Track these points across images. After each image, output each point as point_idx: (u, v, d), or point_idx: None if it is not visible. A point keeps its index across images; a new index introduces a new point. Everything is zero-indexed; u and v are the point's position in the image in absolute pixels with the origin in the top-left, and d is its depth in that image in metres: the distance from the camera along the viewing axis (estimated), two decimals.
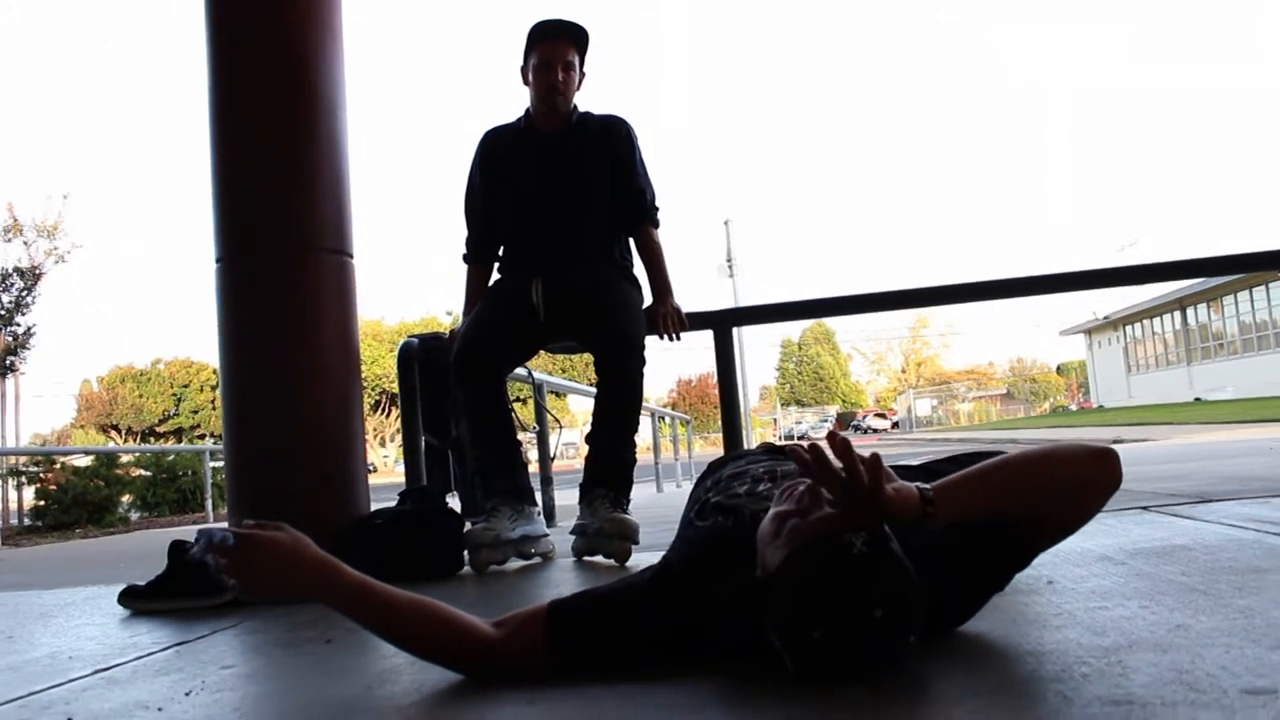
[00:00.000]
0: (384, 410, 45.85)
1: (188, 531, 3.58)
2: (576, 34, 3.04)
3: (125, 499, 12.42)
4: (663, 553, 1.64)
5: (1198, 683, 1.12)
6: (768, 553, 1.30)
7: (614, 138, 3.12)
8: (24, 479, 11.73)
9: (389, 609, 1.43)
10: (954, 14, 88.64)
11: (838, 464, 1.25)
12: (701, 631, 1.42)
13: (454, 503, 3.40)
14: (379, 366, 40.74)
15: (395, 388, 3.87)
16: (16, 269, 15.80)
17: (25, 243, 16.13)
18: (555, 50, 3.01)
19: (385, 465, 42.31)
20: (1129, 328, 37.10)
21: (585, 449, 2.99)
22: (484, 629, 1.45)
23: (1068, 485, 1.40)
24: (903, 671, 1.25)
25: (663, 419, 12.29)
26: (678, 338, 3.16)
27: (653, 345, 3.10)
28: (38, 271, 16.02)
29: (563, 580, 2.60)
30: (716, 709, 1.26)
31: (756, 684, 1.28)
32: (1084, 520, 1.44)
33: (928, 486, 1.33)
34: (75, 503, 11.20)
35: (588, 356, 3.03)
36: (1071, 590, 1.77)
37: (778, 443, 1.99)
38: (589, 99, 3.15)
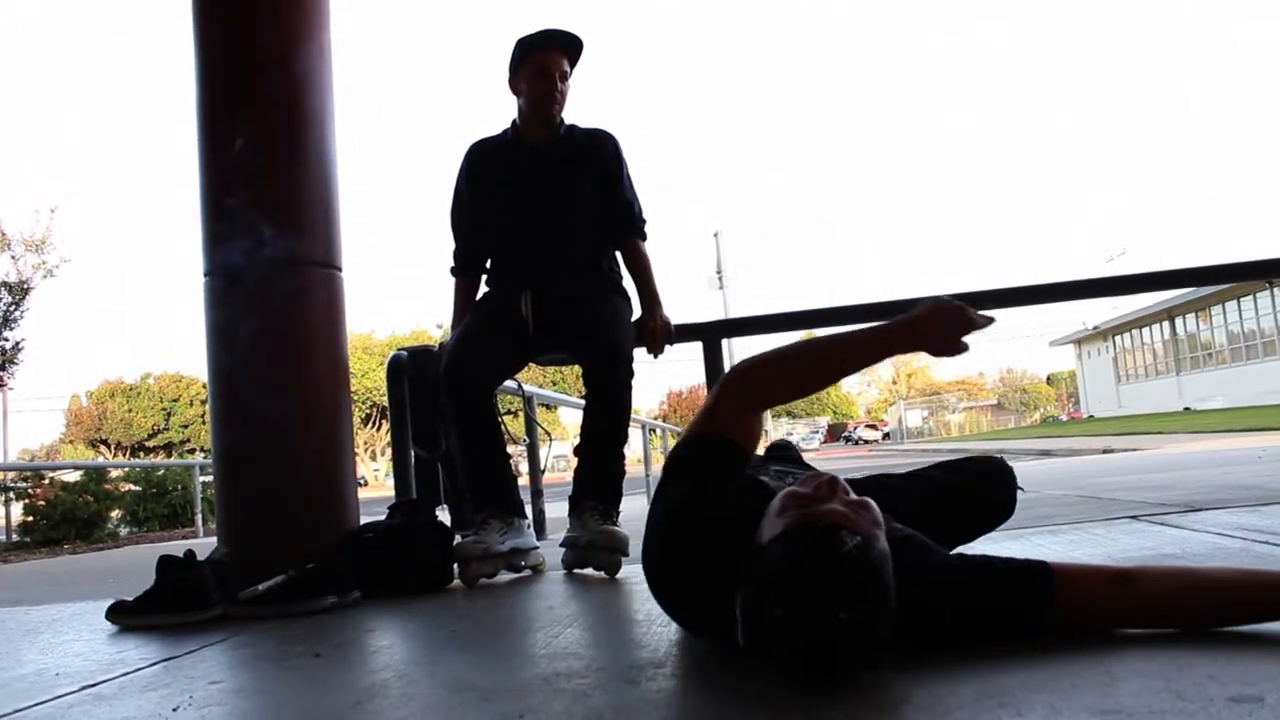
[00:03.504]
0: (374, 424, 45.69)
1: (177, 547, 3.57)
2: (571, 44, 3.05)
3: (114, 514, 12.33)
4: None
5: (1185, 691, 1.12)
6: (767, 524, 1.32)
7: (601, 151, 3.13)
8: (12, 495, 11.64)
9: None
10: (940, 27, 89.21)
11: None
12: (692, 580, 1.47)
13: (444, 516, 3.39)
14: (369, 380, 40.58)
15: (385, 401, 3.86)
16: (4, 283, 15.67)
17: (13, 257, 16.03)
18: (551, 59, 3.02)
19: (375, 479, 42.08)
20: (1118, 338, 37.28)
21: (575, 461, 2.99)
22: None
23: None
24: (886, 681, 1.26)
25: (653, 431, 12.27)
26: (659, 352, 3.18)
27: (641, 357, 3.11)
28: (26, 286, 15.92)
29: (553, 593, 2.60)
30: None
31: (745, 698, 1.28)
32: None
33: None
34: (64, 518, 11.11)
35: (578, 369, 3.03)
36: None
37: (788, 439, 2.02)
38: (576, 111, 3.16)
